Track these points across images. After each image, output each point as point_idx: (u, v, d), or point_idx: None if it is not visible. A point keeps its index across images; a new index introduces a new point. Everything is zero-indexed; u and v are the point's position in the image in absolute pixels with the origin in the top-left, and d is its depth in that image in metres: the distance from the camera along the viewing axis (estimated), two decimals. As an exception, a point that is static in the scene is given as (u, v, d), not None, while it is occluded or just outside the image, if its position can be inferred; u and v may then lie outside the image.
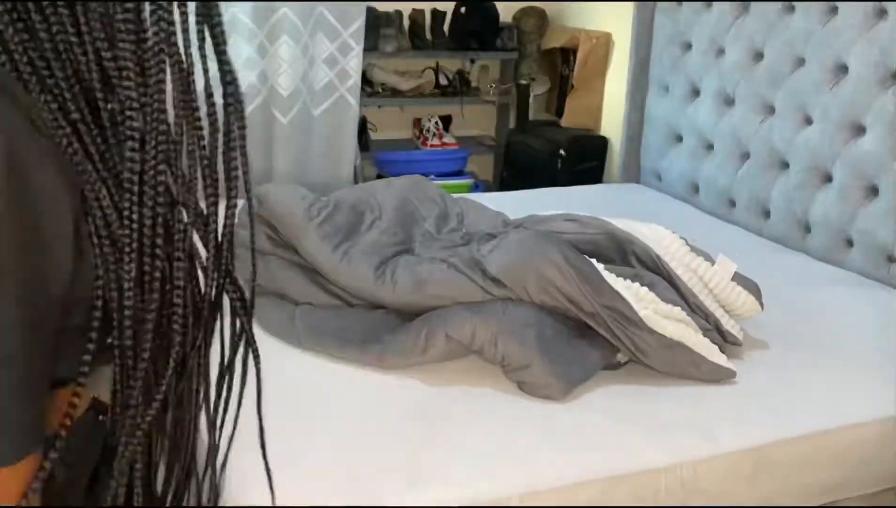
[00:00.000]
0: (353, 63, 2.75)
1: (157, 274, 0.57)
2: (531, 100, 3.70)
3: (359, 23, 2.70)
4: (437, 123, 3.64)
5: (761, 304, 1.75)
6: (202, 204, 0.59)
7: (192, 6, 0.55)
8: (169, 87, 0.55)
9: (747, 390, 1.60)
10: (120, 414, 0.59)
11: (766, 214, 2.52)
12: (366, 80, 3.33)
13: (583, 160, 3.23)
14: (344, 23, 2.69)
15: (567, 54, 3.53)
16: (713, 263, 1.79)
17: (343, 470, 1.28)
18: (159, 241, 0.56)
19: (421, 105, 3.66)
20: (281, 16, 2.57)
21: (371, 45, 3.22)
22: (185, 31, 0.55)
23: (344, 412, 1.44)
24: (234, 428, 0.68)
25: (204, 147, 0.58)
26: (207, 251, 0.60)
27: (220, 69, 0.56)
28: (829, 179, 2.28)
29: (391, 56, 3.37)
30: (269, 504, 1.16)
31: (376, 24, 3.29)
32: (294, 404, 1.43)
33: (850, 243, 2.25)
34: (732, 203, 2.65)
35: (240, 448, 1.27)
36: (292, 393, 1.45)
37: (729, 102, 2.67)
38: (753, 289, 1.75)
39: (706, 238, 2.32)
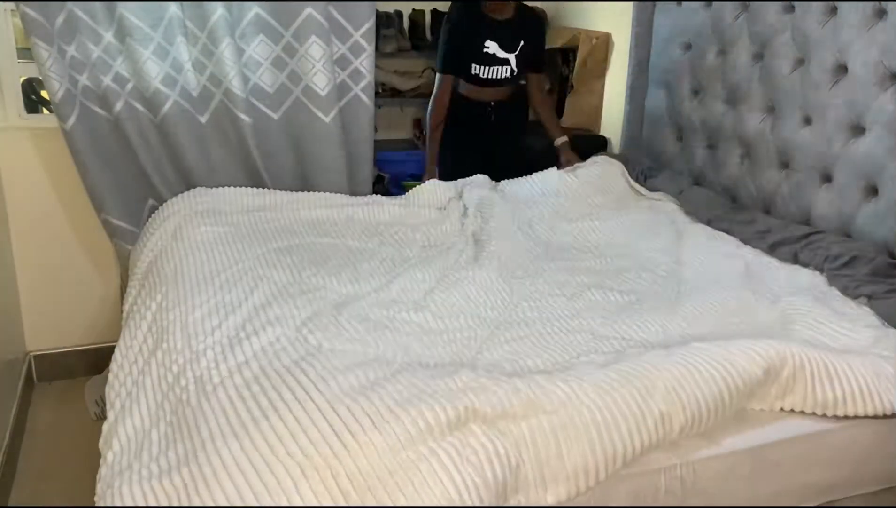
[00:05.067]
0: (366, 63, 2.77)
1: None
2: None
3: (370, 23, 2.72)
4: (437, 123, 3.64)
5: None
6: None
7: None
8: None
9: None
10: None
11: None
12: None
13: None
14: (354, 24, 2.71)
15: (567, 54, 3.53)
16: None
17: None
18: None
19: (421, 105, 3.67)
20: (307, 16, 2.58)
21: (371, 45, 3.23)
22: None
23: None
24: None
25: None
26: None
27: None
28: (828, 179, 2.28)
29: (391, 56, 3.38)
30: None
31: (376, 25, 3.29)
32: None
33: (849, 242, 2.25)
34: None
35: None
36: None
37: (729, 101, 2.67)
38: None
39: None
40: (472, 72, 2.99)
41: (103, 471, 1.33)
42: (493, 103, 3.09)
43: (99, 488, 1.30)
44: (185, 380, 1.49)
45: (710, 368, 1.48)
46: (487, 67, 2.97)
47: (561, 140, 3.09)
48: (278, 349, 1.53)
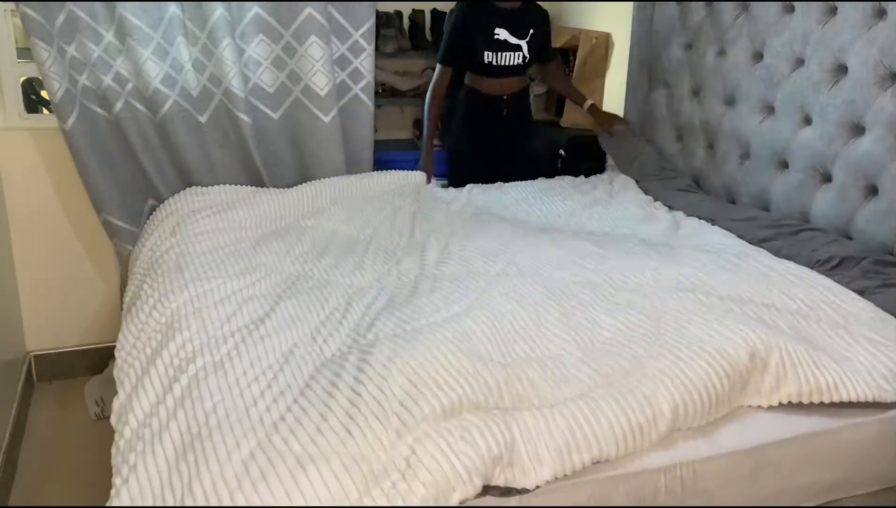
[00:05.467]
0: (366, 63, 2.78)
1: None
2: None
3: (369, 23, 2.73)
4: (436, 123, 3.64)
5: None
6: None
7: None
8: None
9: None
10: None
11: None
12: (366, 80, 3.34)
13: (583, 160, 3.23)
14: (354, 24, 2.72)
15: (567, 54, 3.53)
16: None
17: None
18: None
19: (421, 105, 3.66)
20: (307, 16, 2.59)
21: (371, 45, 3.23)
22: None
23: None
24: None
25: None
26: None
27: None
28: (828, 179, 2.28)
29: (391, 56, 3.38)
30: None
31: (376, 25, 3.29)
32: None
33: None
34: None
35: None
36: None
37: (729, 101, 2.67)
38: None
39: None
40: (485, 60, 2.96)
41: (121, 444, 1.37)
42: (505, 97, 3.07)
43: (115, 462, 1.35)
44: (203, 361, 1.54)
45: (692, 355, 1.51)
46: (500, 54, 2.96)
47: (588, 103, 3.16)
48: (298, 358, 1.57)
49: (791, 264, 1.92)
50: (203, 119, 2.61)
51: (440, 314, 1.66)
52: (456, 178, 3.11)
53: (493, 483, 1.28)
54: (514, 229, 2.28)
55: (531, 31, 2.98)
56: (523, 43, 2.98)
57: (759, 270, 1.87)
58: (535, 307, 1.70)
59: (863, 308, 1.77)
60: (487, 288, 1.78)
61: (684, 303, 1.66)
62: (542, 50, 3.09)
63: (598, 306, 1.71)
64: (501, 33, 2.94)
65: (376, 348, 1.52)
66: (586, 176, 3.04)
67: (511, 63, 2.99)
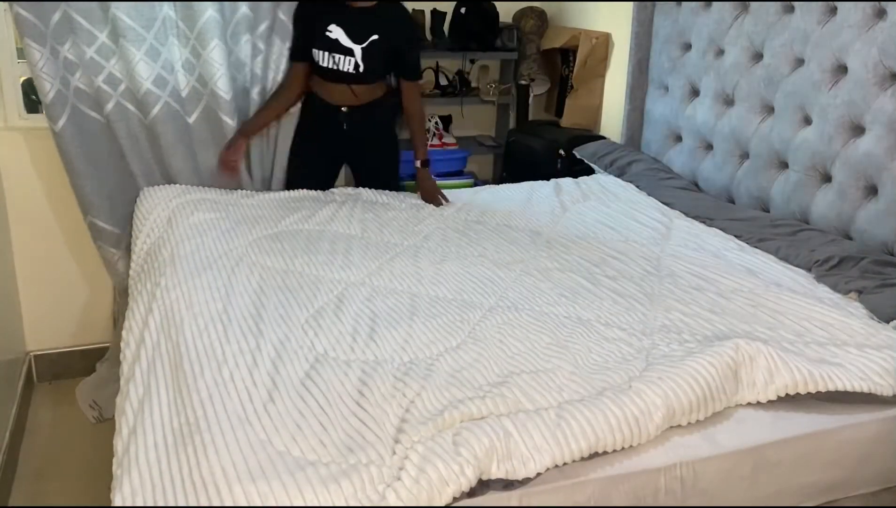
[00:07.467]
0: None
1: None
2: (531, 100, 3.70)
3: (265, 25, 2.72)
4: (437, 123, 3.64)
5: None
6: None
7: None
8: None
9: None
10: None
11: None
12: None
13: (582, 160, 3.24)
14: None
15: (567, 54, 3.53)
16: None
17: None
18: None
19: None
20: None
21: (371, 45, 3.22)
22: None
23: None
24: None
25: None
26: None
27: None
28: (828, 179, 2.28)
29: (391, 56, 3.37)
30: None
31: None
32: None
33: (849, 242, 2.25)
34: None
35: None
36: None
37: (728, 102, 2.67)
38: None
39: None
40: (315, 59, 2.64)
41: (124, 435, 1.39)
42: (343, 109, 2.71)
43: (116, 451, 1.36)
44: (196, 352, 1.58)
45: (678, 363, 1.54)
46: (328, 55, 2.60)
47: (418, 162, 2.79)
48: (290, 352, 1.60)
49: (782, 295, 1.91)
50: (191, 120, 2.60)
51: (436, 347, 1.66)
52: (290, 185, 2.81)
53: (493, 477, 1.28)
54: (510, 246, 2.28)
55: (374, 36, 2.59)
56: (357, 48, 2.59)
57: (744, 309, 1.87)
58: (527, 335, 1.71)
59: (851, 335, 1.75)
60: (481, 320, 1.79)
61: (671, 345, 1.68)
62: (389, 63, 2.70)
63: (590, 338, 1.71)
64: (334, 31, 2.57)
65: (378, 373, 1.52)
66: (587, 175, 3.03)
67: (343, 69, 2.62)
